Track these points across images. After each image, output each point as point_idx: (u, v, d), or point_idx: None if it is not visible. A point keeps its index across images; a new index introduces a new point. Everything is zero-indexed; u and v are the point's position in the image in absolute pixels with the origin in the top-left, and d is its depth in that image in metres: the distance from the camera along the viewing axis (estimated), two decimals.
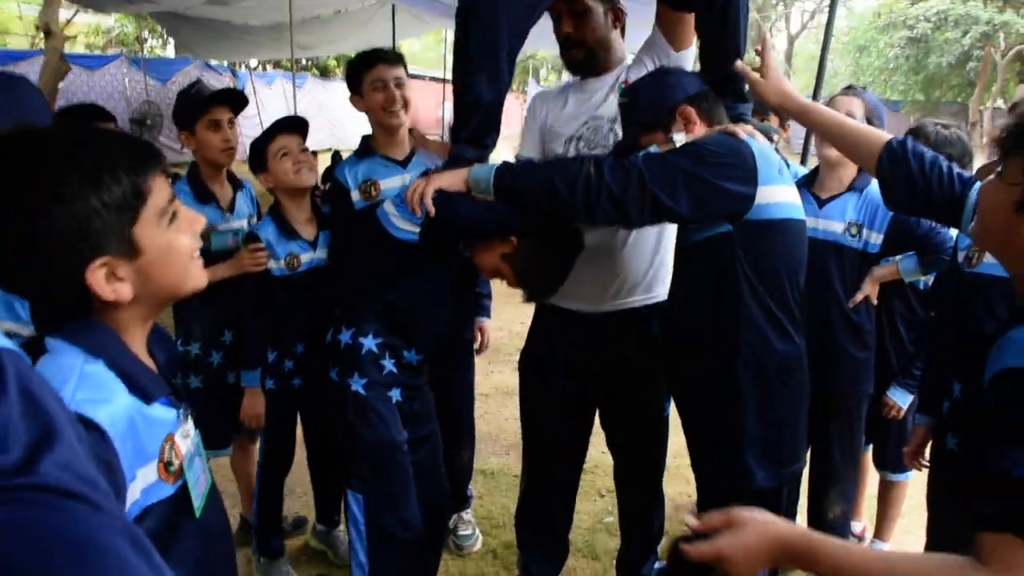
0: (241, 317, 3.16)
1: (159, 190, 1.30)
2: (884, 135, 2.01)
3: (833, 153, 2.94)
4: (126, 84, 17.50)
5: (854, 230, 3.04)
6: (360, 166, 3.03)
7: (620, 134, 2.45)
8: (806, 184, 3.20)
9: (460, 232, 2.38)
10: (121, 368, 1.28)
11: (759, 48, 2.19)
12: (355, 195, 2.97)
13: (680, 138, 2.10)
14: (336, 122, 23.73)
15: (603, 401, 2.91)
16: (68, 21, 16.88)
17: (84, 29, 25.65)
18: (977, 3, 22.78)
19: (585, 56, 2.66)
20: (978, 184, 1.82)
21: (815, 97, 5.33)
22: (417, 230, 2.43)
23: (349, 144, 23.44)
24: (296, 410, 3.40)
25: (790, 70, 37.13)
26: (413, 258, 2.66)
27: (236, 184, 3.41)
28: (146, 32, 22.12)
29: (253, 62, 22.30)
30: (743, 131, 2.08)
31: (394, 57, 2.99)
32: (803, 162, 4.62)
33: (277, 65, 23.46)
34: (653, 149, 2.12)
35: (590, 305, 2.74)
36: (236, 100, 3.28)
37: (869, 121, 2.99)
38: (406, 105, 2.96)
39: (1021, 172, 1.29)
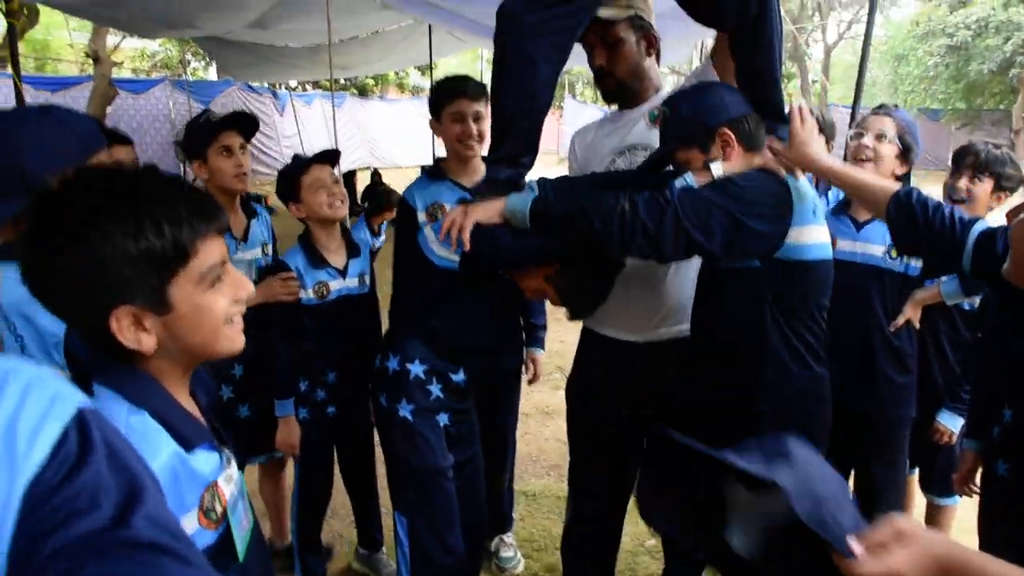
0: (271, 347, 3.16)
1: (209, 251, 1.29)
2: (892, 186, 2.08)
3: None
4: (170, 106, 17.88)
5: (894, 253, 3.02)
6: (430, 188, 3.01)
7: None
8: (843, 208, 3.19)
9: (499, 263, 2.39)
10: (164, 418, 1.29)
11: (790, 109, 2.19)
12: (421, 216, 2.95)
13: (718, 167, 2.09)
14: (374, 141, 23.95)
15: (648, 427, 2.90)
16: (115, 47, 17.31)
17: (131, 54, 26.22)
18: (1019, 9, 22.34)
19: (618, 87, 2.66)
20: (976, 226, 1.90)
21: (854, 106, 5.31)
22: (456, 259, 2.45)
23: (386, 162, 23.80)
24: (331, 438, 3.42)
25: (828, 82, 36.76)
26: (453, 285, 2.71)
27: (250, 212, 3.40)
28: (189, 55, 22.53)
29: (293, 83, 22.59)
30: (782, 168, 2.08)
31: (476, 91, 2.96)
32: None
33: (316, 85, 23.73)
34: (688, 179, 2.11)
35: (633, 333, 2.75)
36: (247, 124, 3.26)
37: (902, 139, 3.00)
38: (481, 139, 2.96)
39: None
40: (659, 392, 2.67)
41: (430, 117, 3.06)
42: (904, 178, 3.04)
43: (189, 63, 21.04)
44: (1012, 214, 1.87)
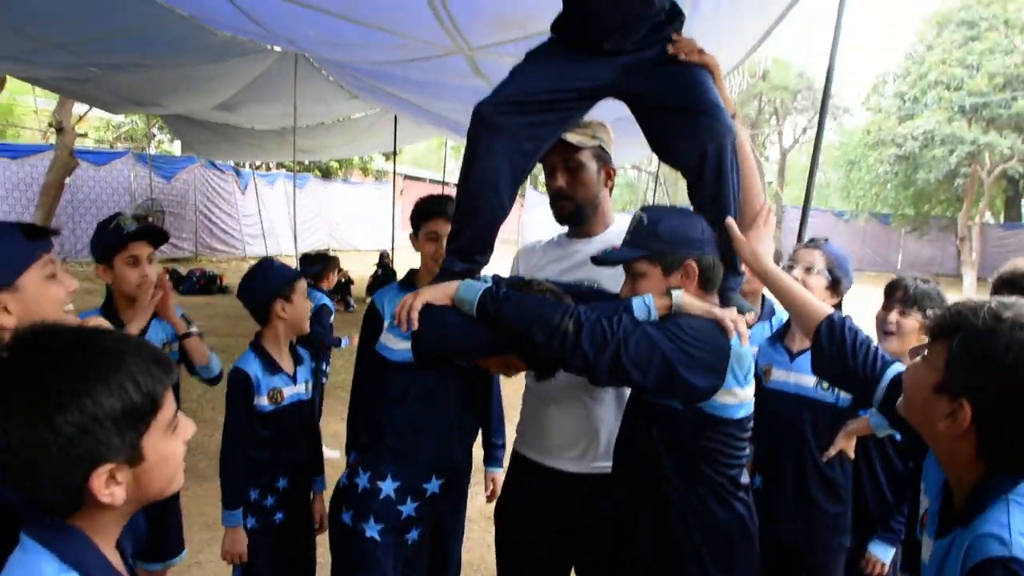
0: (222, 456, 3.12)
1: (169, 399, 1.33)
2: (826, 309, 2.16)
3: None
4: (131, 180, 17.85)
5: (825, 384, 3.06)
6: (399, 296, 3.02)
7: None
8: (779, 337, 3.27)
9: (447, 346, 2.37)
10: None
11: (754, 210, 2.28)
12: (386, 324, 2.92)
13: (679, 298, 2.12)
14: (334, 223, 24.15)
15: (580, 559, 2.84)
16: (81, 117, 17.31)
17: (96, 124, 26.23)
18: (962, 124, 23.43)
19: (574, 210, 2.71)
20: (893, 367, 1.98)
21: (805, 208, 5.42)
22: (408, 346, 2.44)
23: (346, 244, 23.83)
24: (277, 545, 3.32)
25: (784, 182, 37.89)
26: (414, 382, 2.68)
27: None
28: (155, 128, 22.62)
29: (256, 161, 22.74)
30: (731, 326, 2.12)
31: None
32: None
33: (280, 165, 23.91)
34: (649, 301, 2.11)
35: (565, 463, 2.74)
36: (157, 237, 3.27)
37: (831, 272, 3.12)
38: None
39: (942, 357, 1.51)
40: (587, 522, 2.66)
41: (411, 234, 3.11)
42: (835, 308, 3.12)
43: (154, 136, 21.14)
44: (913, 353, 1.95)
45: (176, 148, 23.17)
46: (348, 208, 24.90)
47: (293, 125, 10.98)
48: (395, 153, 15.17)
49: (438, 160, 32.83)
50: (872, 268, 31.27)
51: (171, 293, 3.13)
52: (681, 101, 2.23)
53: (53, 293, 1.91)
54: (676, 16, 2.38)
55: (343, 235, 24.49)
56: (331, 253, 14.41)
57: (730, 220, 2.24)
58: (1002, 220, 32.42)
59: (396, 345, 2.46)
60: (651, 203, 2.79)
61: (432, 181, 37.73)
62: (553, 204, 2.75)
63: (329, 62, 9.07)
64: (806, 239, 3.36)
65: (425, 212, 3.07)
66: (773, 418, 3.07)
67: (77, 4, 6.58)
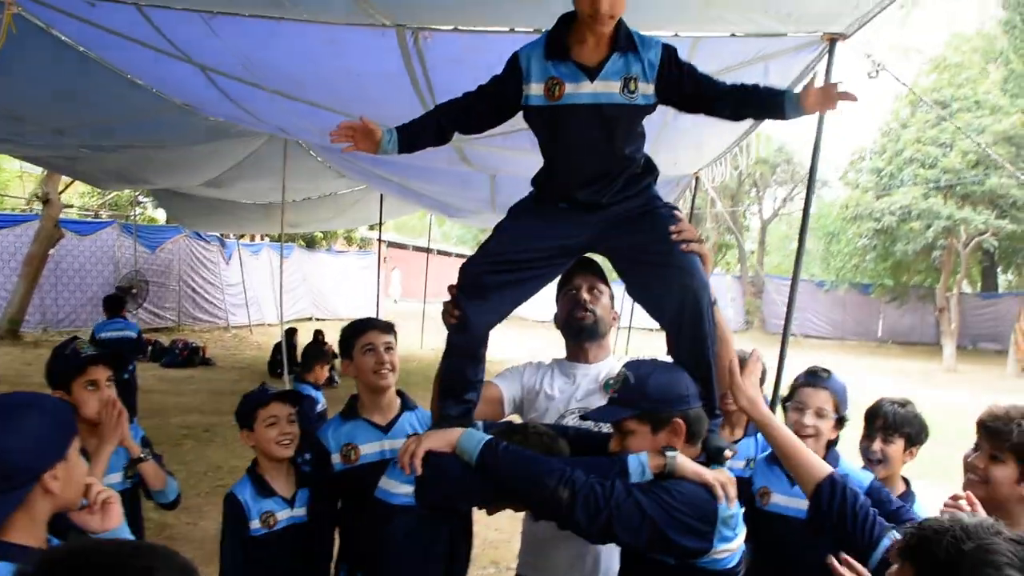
0: None
1: None
2: (825, 468, 2.26)
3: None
4: (116, 250, 17.86)
5: None
6: (343, 428, 3.12)
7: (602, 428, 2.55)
8: (776, 459, 3.27)
9: (451, 495, 2.41)
10: None
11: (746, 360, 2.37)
12: (336, 458, 3.05)
13: (673, 457, 2.17)
14: (318, 292, 24.19)
15: None
16: (67, 186, 17.41)
17: (81, 189, 26.34)
18: (938, 199, 23.97)
19: (595, 322, 2.85)
20: (887, 536, 2.10)
21: (794, 278, 5.48)
22: (411, 490, 2.48)
23: (330, 313, 23.81)
24: None
25: (764, 251, 38.37)
26: (414, 524, 2.68)
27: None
28: (140, 195, 22.71)
29: None
30: (720, 493, 2.17)
31: (385, 325, 3.16)
32: (775, 396, 4.71)
33: (265, 235, 24.02)
34: (644, 459, 2.17)
35: None
36: (116, 362, 3.25)
37: (837, 411, 3.12)
38: (394, 368, 3.09)
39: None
40: None
41: (342, 360, 3.15)
42: (833, 443, 3.18)
43: (140, 202, 21.19)
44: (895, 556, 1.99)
45: (161, 215, 23.22)
46: (332, 277, 25.03)
47: (282, 202, 11.07)
48: (380, 227, 15.28)
49: (422, 226, 33.11)
50: (853, 337, 31.56)
51: (125, 416, 3.04)
52: (657, 257, 2.37)
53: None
54: (652, 170, 2.52)
55: (327, 304, 24.53)
56: (318, 331, 14.45)
57: (733, 365, 2.35)
58: (980, 289, 32.91)
59: (397, 489, 2.49)
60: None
61: (416, 248, 37.97)
62: (573, 314, 2.86)
63: (318, 145, 9.22)
64: (805, 376, 3.33)
65: (354, 330, 3.16)
66: (774, 542, 3.07)
67: (73, 92, 6.71)
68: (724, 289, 32.37)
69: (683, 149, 7.31)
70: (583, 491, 2.09)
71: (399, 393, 3.25)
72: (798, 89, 2.38)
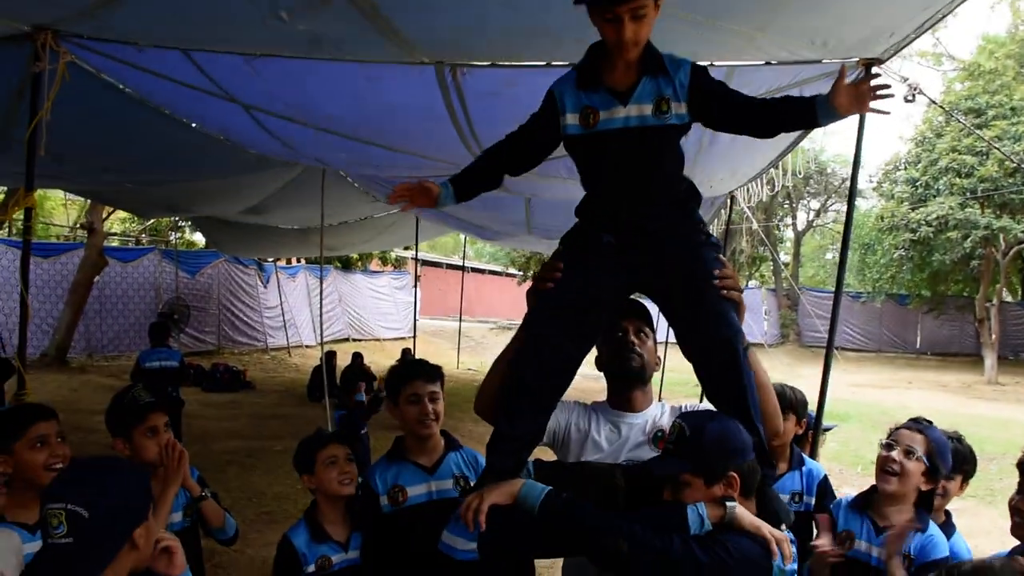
0: None
1: None
2: None
3: (890, 487, 3.07)
4: (157, 276, 18.19)
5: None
6: (390, 471, 3.19)
7: None
8: (866, 507, 3.23)
9: (516, 548, 2.45)
10: None
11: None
12: (384, 500, 3.10)
13: (733, 508, 2.18)
14: (355, 313, 24.38)
15: None
16: (110, 213, 17.78)
17: (123, 216, 26.88)
18: (975, 209, 23.65)
19: (642, 366, 2.82)
20: None
21: (836, 294, 5.44)
22: (475, 546, 2.52)
23: (366, 334, 23.97)
24: None
25: (799, 264, 38.03)
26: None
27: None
28: (181, 220, 23.12)
29: None
30: (775, 550, 2.16)
31: (430, 373, 3.19)
32: (812, 454, 4.63)
33: (302, 257, 24.32)
34: (702, 510, 2.18)
35: None
36: (171, 405, 3.34)
37: (930, 458, 3.05)
38: (438, 418, 3.15)
39: None
40: None
41: (387, 403, 3.22)
42: (927, 496, 3.10)
43: (180, 226, 21.57)
44: None
45: (200, 238, 23.59)
46: (368, 298, 25.22)
47: (320, 230, 11.26)
48: (416, 251, 15.43)
49: (455, 244, 33.28)
50: (891, 349, 31.14)
51: (185, 458, 3.16)
52: (692, 296, 2.39)
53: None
54: (695, 195, 2.54)
55: (363, 325, 24.73)
56: (356, 354, 14.56)
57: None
58: (1020, 298, 32.33)
59: (462, 546, 2.53)
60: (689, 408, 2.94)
61: (449, 267, 38.14)
62: (622, 355, 2.83)
63: (356, 174, 9.36)
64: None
65: (402, 376, 3.21)
66: None
67: (118, 132, 6.90)
68: (759, 302, 32.11)
69: (719, 171, 7.35)
70: (641, 545, 2.12)
71: (443, 433, 3.30)
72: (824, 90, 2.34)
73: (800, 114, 2.40)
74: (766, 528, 2.20)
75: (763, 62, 4.86)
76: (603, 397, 2.99)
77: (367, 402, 11.09)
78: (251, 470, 9.09)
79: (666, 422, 2.75)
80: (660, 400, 3.01)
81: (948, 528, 3.21)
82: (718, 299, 2.38)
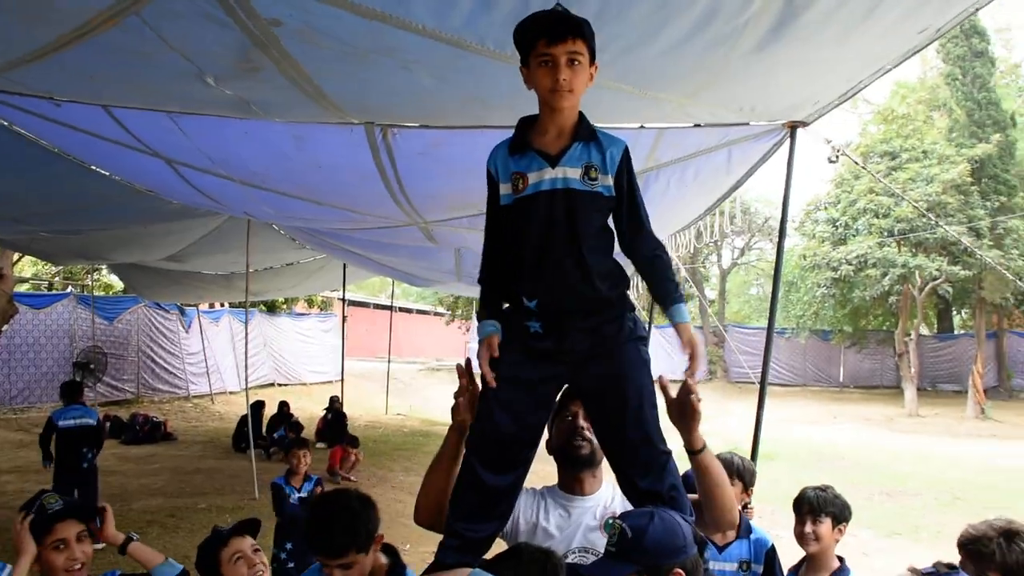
0: None
1: None
2: None
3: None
4: (72, 322, 17.51)
5: None
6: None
7: None
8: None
9: None
10: None
11: None
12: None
13: None
14: (280, 357, 23.91)
15: None
16: (20, 258, 17.08)
17: (35, 259, 25.91)
18: (893, 248, 24.55)
19: (591, 452, 2.74)
20: None
21: (768, 334, 5.54)
22: None
23: (291, 379, 23.56)
24: None
25: (725, 301, 38.85)
26: None
27: None
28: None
29: None
30: None
31: (334, 548, 2.63)
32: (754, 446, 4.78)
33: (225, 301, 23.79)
34: None
35: None
36: (84, 513, 3.11)
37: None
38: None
39: None
40: None
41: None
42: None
43: (98, 269, 20.85)
44: None
45: (118, 282, 22.87)
46: (294, 342, 24.75)
47: (246, 276, 11.03)
48: (344, 294, 15.26)
49: (382, 283, 33.02)
50: (815, 383, 31.95)
51: (109, 513, 3.07)
52: (614, 405, 2.40)
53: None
54: (622, 278, 2.47)
55: (289, 370, 24.22)
56: (282, 403, 14.22)
57: None
58: (936, 331, 33.57)
59: None
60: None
61: (377, 306, 37.83)
62: (571, 443, 2.76)
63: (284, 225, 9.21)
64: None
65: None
66: None
67: (32, 184, 6.64)
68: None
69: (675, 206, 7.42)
70: None
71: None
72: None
73: (659, 300, 2.49)
74: None
75: (692, 124, 4.93)
76: (553, 480, 2.91)
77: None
78: (174, 531, 8.70)
79: (617, 506, 2.70)
80: (609, 481, 2.93)
81: (843, 572, 3.49)
82: (640, 407, 2.37)
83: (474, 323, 27.52)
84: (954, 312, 34.39)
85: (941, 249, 24.63)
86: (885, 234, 24.62)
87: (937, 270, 23.90)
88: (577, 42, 2.22)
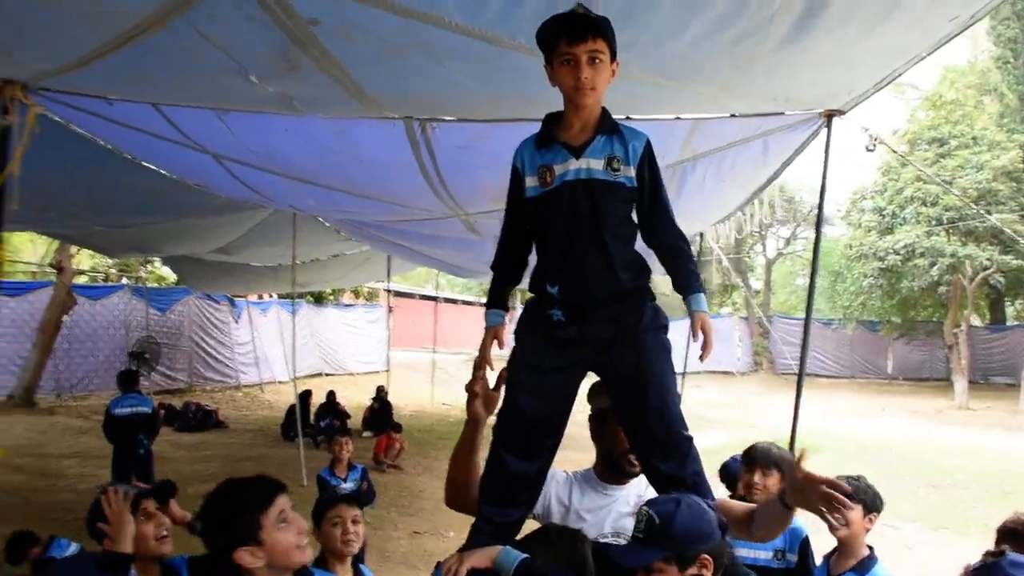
0: None
1: None
2: None
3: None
4: (127, 313, 17.99)
5: None
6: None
7: None
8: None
9: None
10: None
11: None
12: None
13: None
14: (327, 347, 24.25)
15: None
16: (79, 250, 17.59)
17: (92, 252, 26.62)
18: (941, 237, 24.03)
19: (640, 471, 2.76)
20: None
21: (806, 324, 5.56)
22: None
23: (338, 368, 23.84)
24: None
25: (770, 291, 38.42)
26: None
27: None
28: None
29: None
30: None
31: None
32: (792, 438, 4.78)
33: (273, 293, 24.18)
34: None
35: None
36: (162, 493, 3.30)
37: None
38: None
39: None
40: None
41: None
42: None
43: (152, 261, 21.33)
44: None
45: (171, 273, 23.40)
46: (340, 332, 25.08)
47: (292, 268, 11.26)
48: (388, 285, 15.44)
49: (427, 274, 33.27)
50: (863, 375, 31.42)
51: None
52: (636, 393, 2.44)
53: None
54: (644, 269, 2.54)
55: (336, 359, 24.56)
56: (330, 392, 14.44)
57: None
58: (988, 322, 32.71)
59: None
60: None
61: (422, 297, 38.06)
62: (626, 456, 2.77)
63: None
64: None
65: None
66: None
67: (88, 180, 6.89)
68: (731, 330, 32.34)
69: (686, 215, 7.44)
70: None
71: None
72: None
73: (677, 287, 2.55)
74: None
75: (727, 115, 4.97)
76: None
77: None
78: None
79: (653, 494, 2.75)
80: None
81: (870, 560, 3.41)
82: (661, 394, 2.42)
83: (518, 314, 27.69)
84: (1007, 303, 33.49)
85: (992, 238, 23.87)
86: (933, 223, 24.05)
87: (988, 259, 23.30)
88: (598, 41, 2.30)
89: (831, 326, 31.13)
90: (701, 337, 2.45)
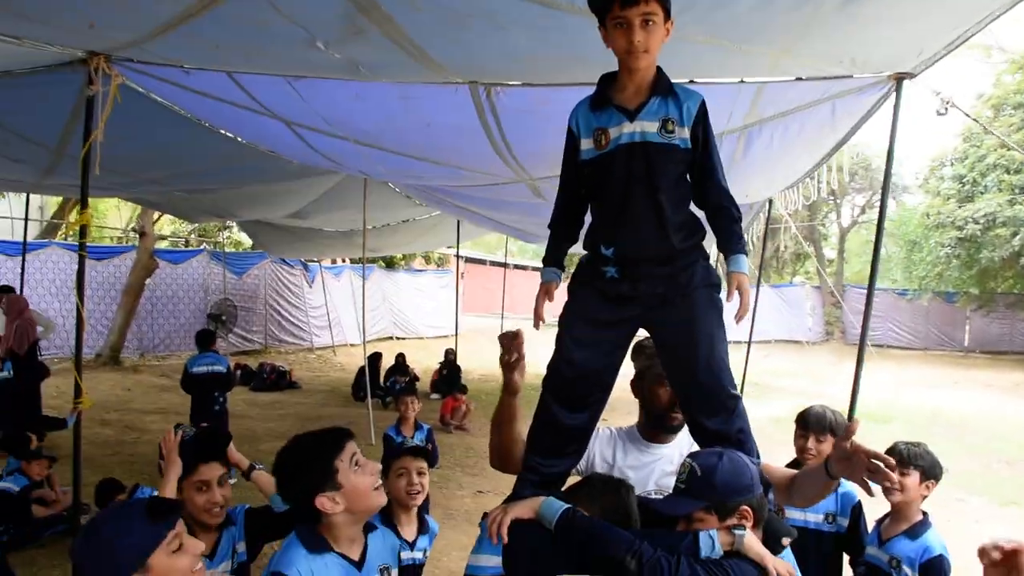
0: None
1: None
2: None
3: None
4: (206, 276, 18.61)
5: None
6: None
7: None
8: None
9: (534, 562, 2.53)
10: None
11: None
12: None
13: (742, 536, 2.24)
14: (398, 311, 24.66)
15: None
16: (160, 216, 18.20)
17: (172, 218, 27.44)
18: None
19: (682, 424, 2.83)
20: None
21: (869, 293, 5.50)
22: (500, 561, 2.61)
23: (409, 332, 24.21)
24: None
25: (844, 260, 37.51)
26: None
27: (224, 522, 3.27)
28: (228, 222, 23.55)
29: None
30: (773, 573, 2.22)
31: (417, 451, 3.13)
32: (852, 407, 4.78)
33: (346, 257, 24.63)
34: (714, 536, 2.23)
35: None
36: (219, 443, 3.45)
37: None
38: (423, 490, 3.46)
39: None
40: None
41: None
42: None
43: (229, 226, 21.96)
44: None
45: (246, 238, 24.05)
46: (411, 296, 25.46)
47: (363, 233, 11.49)
48: (458, 251, 15.58)
49: (498, 240, 33.43)
50: (938, 347, 30.50)
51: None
52: (686, 347, 2.49)
53: (181, 564, 2.10)
54: (698, 228, 2.57)
55: (407, 323, 24.99)
56: (399, 355, 14.69)
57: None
58: None
59: (488, 562, 2.61)
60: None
61: (493, 263, 38.28)
62: (670, 413, 2.86)
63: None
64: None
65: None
66: None
67: (166, 147, 7.16)
68: (803, 299, 31.78)
69: (754, 182, 7.39)
70: (650, 563, 2.21)
71: None
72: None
73: (721, 247, 2.58)
74: (769, 559, 2.27)
75: (793, 78, 4.92)
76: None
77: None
78: None
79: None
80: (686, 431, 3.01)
81: (923, 525, 3.48)
82: (710, 351, 2.46)
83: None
84: None
85: None
86: (1016, 191, 23.15)
87: None
88: (650, 3, 2.31)
89: (906, 296, 30.26)
90: (737, 298, 2.49)
